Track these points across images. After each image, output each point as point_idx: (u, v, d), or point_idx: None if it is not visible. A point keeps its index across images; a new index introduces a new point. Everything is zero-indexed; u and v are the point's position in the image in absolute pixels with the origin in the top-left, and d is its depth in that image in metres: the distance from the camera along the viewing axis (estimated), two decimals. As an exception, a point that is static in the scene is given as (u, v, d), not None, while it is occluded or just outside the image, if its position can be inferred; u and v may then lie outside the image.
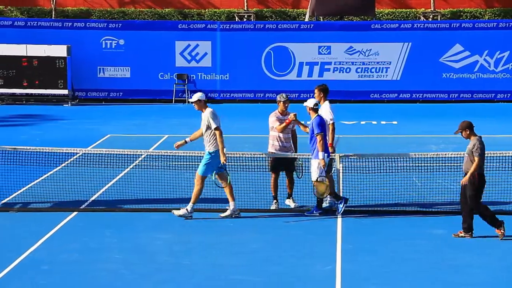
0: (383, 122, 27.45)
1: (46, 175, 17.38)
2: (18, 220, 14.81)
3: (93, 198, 16.18)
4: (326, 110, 15.39)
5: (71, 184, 15.85)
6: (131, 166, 17.70)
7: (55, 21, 33.12)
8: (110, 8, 38.57)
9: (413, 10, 37.21)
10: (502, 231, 13.35)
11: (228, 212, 14.86)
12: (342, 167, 15.76)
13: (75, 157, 18.06)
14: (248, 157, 15.96)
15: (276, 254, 12.91)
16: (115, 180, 17.32)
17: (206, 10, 38.18)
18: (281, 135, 15.42)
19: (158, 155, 17.49)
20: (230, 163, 15.51)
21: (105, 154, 16.31)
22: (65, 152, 16.47)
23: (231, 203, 14.85)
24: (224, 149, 14.68)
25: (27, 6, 38.24)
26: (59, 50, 30.27)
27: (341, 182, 15.64)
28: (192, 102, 14.93)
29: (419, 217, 14.89)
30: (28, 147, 16.31)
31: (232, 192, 14.85)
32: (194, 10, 38.43)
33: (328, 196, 15.02)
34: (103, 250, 13.06)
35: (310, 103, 14.95)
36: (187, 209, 14.75)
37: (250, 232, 14.10)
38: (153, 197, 16.04)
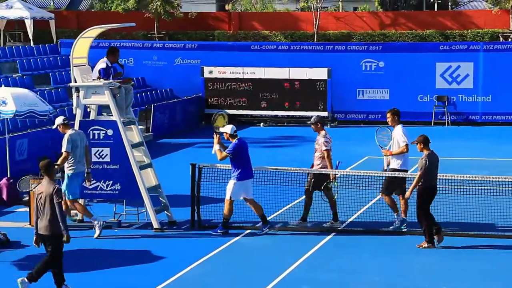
0: None
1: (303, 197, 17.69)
2: (280, 239, 15.21)
3: (350, 220, 16.27)
4: (398, 134, 15.45)
5: (328, 206, 16.02)
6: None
7: (316, 44, 33.84)
8: (370, 30, 38.86)
9: None
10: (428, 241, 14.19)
11: (98, 232, 15.11)
12: None
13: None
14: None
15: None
16: (372, 202, 17.30)
17: (469, 30, 37.39)
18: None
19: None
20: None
21: (362, 175, 16.35)
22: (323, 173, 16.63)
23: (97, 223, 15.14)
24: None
25: (290, 30, 39.45)
26: (320, 73, 30.85)
27: None
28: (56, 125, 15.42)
29: None
30: (289, 168, 16.71)
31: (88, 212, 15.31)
32: (456, 31, 37.76)
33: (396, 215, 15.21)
34: (361, 272, 13.09)
35: (228, 129, 15.30)
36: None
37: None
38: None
